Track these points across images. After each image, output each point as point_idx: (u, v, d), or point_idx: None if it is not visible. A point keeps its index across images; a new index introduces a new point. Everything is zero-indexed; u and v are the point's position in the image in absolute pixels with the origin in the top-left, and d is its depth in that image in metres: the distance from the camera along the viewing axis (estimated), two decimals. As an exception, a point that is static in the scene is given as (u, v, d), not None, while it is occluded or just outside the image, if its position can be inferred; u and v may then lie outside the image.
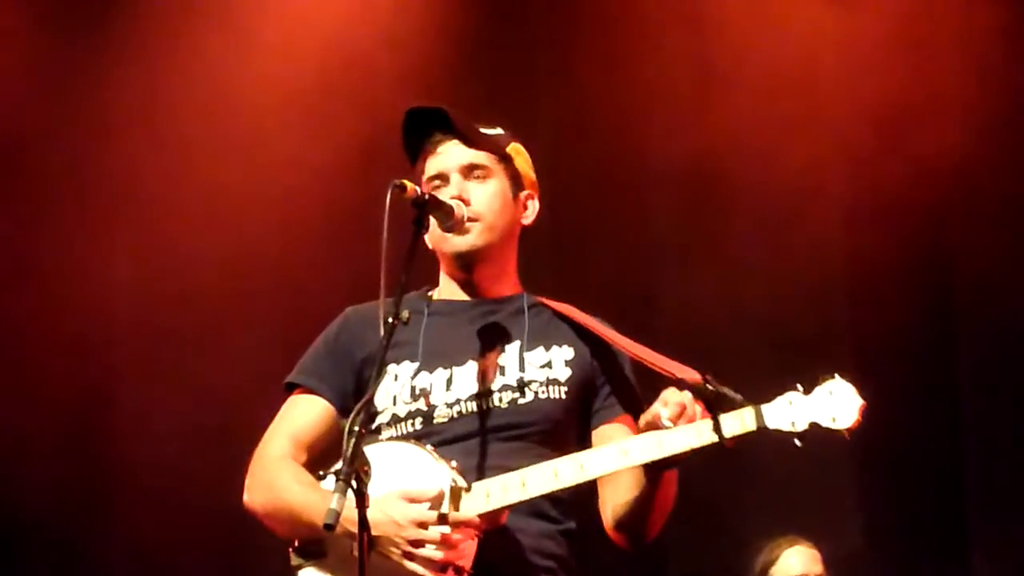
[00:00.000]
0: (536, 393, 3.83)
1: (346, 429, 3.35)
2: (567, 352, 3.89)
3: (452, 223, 3.82)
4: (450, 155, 3.91)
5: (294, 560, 3.73)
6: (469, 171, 3.91)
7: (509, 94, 6.24)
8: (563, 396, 3.85)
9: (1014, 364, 6.02)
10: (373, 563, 3.49)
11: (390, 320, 3.53)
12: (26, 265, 6.37)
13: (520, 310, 3.94)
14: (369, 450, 3.66)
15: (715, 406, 3.59)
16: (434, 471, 3.67)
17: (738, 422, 3.58)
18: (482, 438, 3.76)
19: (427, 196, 3.73)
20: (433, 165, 3.91)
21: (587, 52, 6.41)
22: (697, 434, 3.58)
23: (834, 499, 6.11)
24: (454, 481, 3.64)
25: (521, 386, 3.82)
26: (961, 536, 6.05)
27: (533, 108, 6.34)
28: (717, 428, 3.57)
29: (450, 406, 3.79)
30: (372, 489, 3.47)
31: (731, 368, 3.78)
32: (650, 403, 3.67)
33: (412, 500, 3.59)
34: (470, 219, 3.85)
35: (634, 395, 3.92)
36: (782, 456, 5.49)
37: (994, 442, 6.06)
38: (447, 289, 3.96)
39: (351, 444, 3.31)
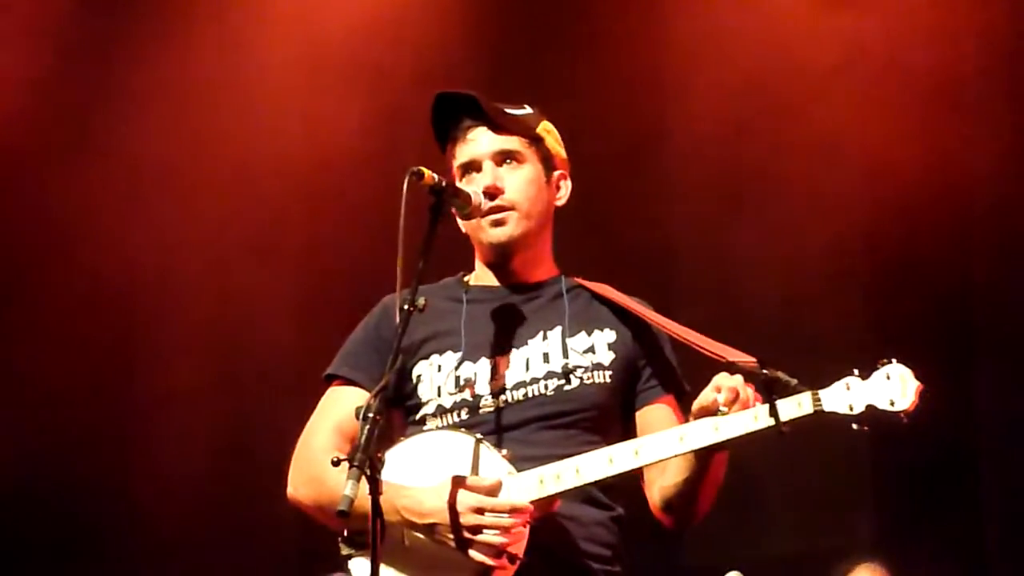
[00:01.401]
0: (582, 379, 3.85)
1: (360, 415, 3.36)
2: (609, 335, 3.91)
3: (470, 210, 3.83)
4: (481, 142, 3.92)
5: (344, 550, 3.73)
6: (501, 158, 3.91)
7: (538, 70, 6.24)
8: (608, 380, 3.87)
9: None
10: (426, 551, 3.57)
11: (405, 307, 3.54)
12: (57, 234, 6.39)
13: (559, 294, 3.96)
14: (419, 439, 3.73)
15: (771, 390, 3.60)
16: (486, 459, 3.68)
17: (795, 406, 3.59)
18: (529, 426, 3.78)
19: (444, 183, 3.73)
20: (464, 152, 3.91)
21: (618, 30, 6.40)
22: (754, 419, 3.60)
23: (848, 495, 6.12)
24: (508, 470, 3.66)
25: (566, 373, 3.84)
26: (977, 535, 6.05)
27: (564, 84, 6.33)
28: (774, 412, 3.58)
29: (495, 395, 3.81)
30: (425, 478, 3.57)
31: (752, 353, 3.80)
32: (695, 384, 3.71)
33: (468, 487, 3.60)
34: (505, 208, 3.87)
35: (675, 375, 3.95)
36: (799, 452, 5.56)
37: (1010, 440, 6.05)
38: (484, 275, 3.97)
39: (365, 430, 3.33)
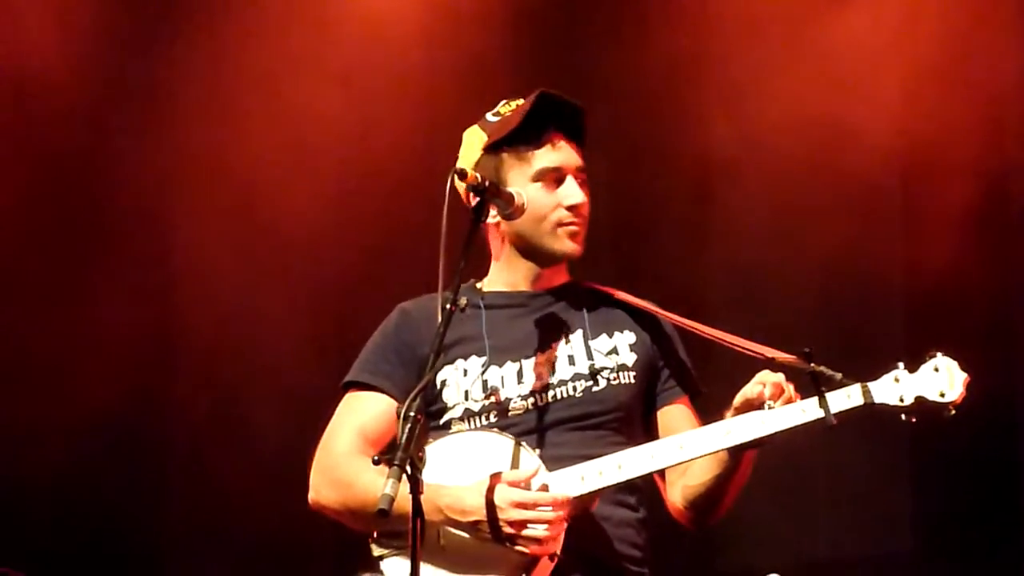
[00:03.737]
0: (608, 380, 3.92)
1: (401, 415, 3.41)
2: (629, 337, 4.00)
3: (512, 211, 3.89)
4: (570, 153, 4.00)
5: (376, 551, 3.78)
6: (582, 175, 4.01)
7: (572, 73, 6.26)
8: (633, 381, 3.95)
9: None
10: (464, 549, 3.64)
11: (447, 307, 3.60)
12: (94, 222, 6.45)
13: (576, 298, 4.04)
14: (452, 440, 3.81)
15: (819, 383, 3.69)
16: (525, 461, 3.74)
17: (844, 398, 3.70)
18: (558, 428, 3.85)
19: (487, 183, 3.80)
20: (554, 158, 3.97)
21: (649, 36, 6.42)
22: (802, 412, 3.69)
23: (887, 495, 6.11)
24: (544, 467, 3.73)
25: (593, 374, 3.92)
26: (1017, 536, 6.04)
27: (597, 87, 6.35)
28: (824, 404, 3.67)
29: (524, 398, 3.88)
30: (462, 477, 3.64)
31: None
32: (723, 383, 3.80)
33: (509, 482, 3.66)
34: (581, 223, 3.96)
35: (691, 376, 4.05)
36: (837, 450, 5.56)
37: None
38: (501, 279, 4.02)
39: (406, 429, 3.37)
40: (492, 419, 3.87)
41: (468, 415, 3.90)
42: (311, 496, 3.92)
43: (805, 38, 6.10)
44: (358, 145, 6.39)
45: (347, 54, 6.44)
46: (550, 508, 3.64)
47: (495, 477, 3.67)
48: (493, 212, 3.94)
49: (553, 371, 3.90)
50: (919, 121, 5.93)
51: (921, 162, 5.98)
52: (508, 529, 3.62)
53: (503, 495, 3.64)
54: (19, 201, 6.33)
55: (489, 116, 4.05)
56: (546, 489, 3.69)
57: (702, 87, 6.22)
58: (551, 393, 3.88)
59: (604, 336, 3.98)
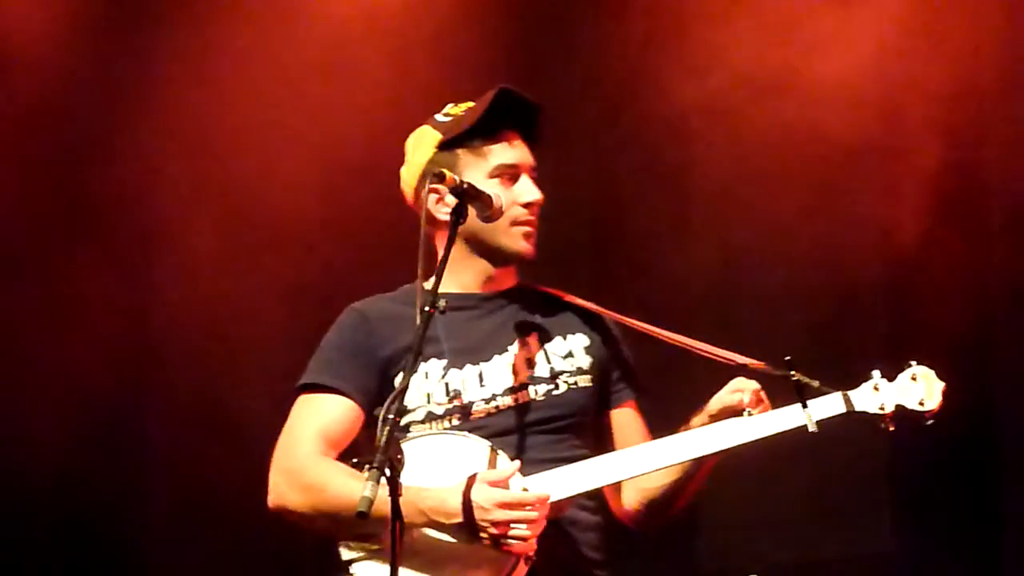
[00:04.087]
0: (568, 384, 3.95)
1: (380, 417, 3.44)
2: (583, 340, 4.03)
3: (490, 213, 3.89)
4: (526, 153, 4.02)
5: (345, 554, 3.78)
6: (533, 173, 4.02)
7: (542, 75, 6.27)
8: (591, 384, 3.99)
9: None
10: (440, 551, 3.66)
11: (427, 309, 3.61)
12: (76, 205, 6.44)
13: (528, 301, 4.06)
14: (425, 442, 3.83)
15: (800, 391, 3.75)
16: (500, 462, 3.78)
17: (827, 406, 3.77)
18: (520, 432, 3.88)
19: (466, 185, 3.81)
20: (512, 155, 3.99)
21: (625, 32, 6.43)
22: (785, 419, 3.76)
23: (866, 497, 6.13)
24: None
25: (553, 377, 3.94)
26: (998, 537, 6.06)
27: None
28: (806, 412, 3.74)
29: (487, 402, 3.90)
30: (440, 479, 3.66)
31: (764, 356, 3.91)
32: (674, 387, 3.90)
33: (491, 484, 3.68)
34: (533, 223, 3.98)
35: (637, 377, 4.10)
36: (817, 452, 5.57)
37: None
38: (452, 280, 3.97)
39: (385, 432, 3.38)
40: (455, 422, 3.88)
41: (431, 418, 3.90)
42: (272, 500, 3.89)
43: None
44: (344, 132, 6.36)
45: (332, 39, 6.43)
46: (534, 508, 3.66)
47: (473, 478, 3.68)
48: (444, 212, 3.92)
49: (514, 375, 3.92)
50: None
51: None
52: (493, 530, 3.64)
53: (487, 495, 3.65)
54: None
55: (438, 117, 4.06)
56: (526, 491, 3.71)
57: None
58: (513, 397, 3.91)
59: (559, 339, 4.00)
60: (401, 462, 3.40)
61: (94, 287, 6.33)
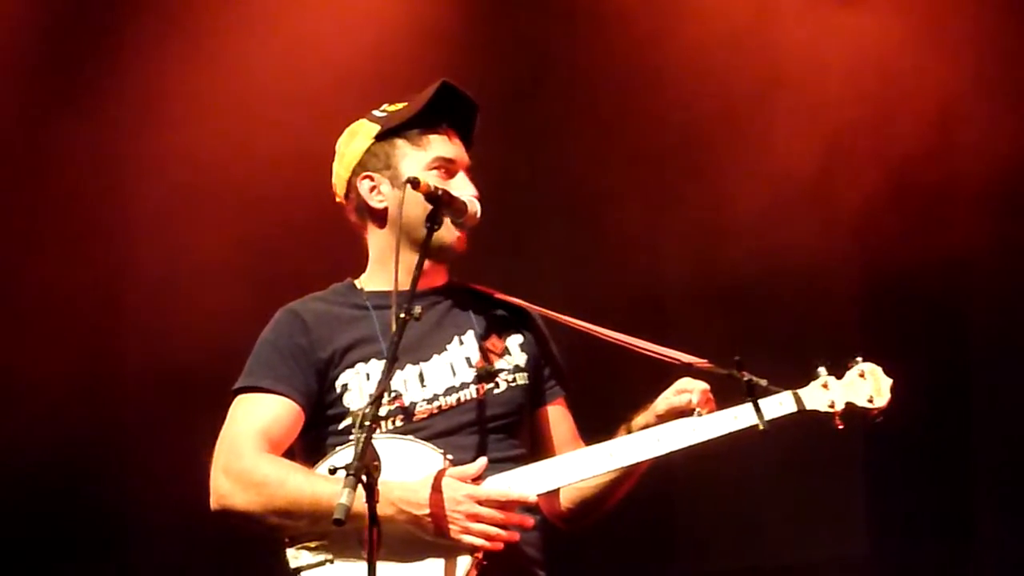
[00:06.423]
0: (507, 382, 3.98)
1: (357, 424, 3.47)
2: (517, 337, 4.07)
3: (465, 219, 3.94)
4: (463, 151, 4.05)
5: (293, 561, 3.78)
6: (468, 173, 4.05)
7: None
8: (527, 381, 4.02)
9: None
10: (401, 544, 3.65)
11: (401, 315, 3.64)
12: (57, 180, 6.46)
13: (461, 299, 4.08)
14: (382, 445, 3.78)
15: (751, 390, 3.74)
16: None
17: (777, 405, 3.76)
18: (463, 432, 3.90)
19: (440, 191, 3.85)
20: (451, 150, 4.02)
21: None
22: (735, 419, 3.76)
23: (841, 496, 6.16)
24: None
25: (493, 375, 3.96)
26: (971, 537, 6.09)
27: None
28: (757, 412, 3.72)
29: (429, 402, 3.92)
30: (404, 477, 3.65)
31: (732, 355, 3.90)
32: (619, 385, 3.84)
33: (460, 479, 3.71)
34: (471, 218, 3.97)
35: (565, 373, 4.11)
36: (789, 452, 5.60)
37: (1005, 443, 6.08)
38: (383, 278, 3.99)
39: (362, 439, 3.41)
40: (398, 423, 3.88)
41: (374, 420, 3.89)
42: (217, 501, 3.83)
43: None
44: (318, 104, 6.35)
45: (310, 11, 6.44)
46: (501, 504, 3.70)
47: (442, 472, 3.71)
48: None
49: (454, 374, 3.94)
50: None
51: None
52: (463, 522, 3.66)
53: (459, 488, 3.69)
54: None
55: (375, 112, 4.09)
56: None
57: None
58: (455, 397, 3.92)
59: (495, 337, 4.02)
60: (378, 468, 3.43)
61: (59, 261, 6.35)
